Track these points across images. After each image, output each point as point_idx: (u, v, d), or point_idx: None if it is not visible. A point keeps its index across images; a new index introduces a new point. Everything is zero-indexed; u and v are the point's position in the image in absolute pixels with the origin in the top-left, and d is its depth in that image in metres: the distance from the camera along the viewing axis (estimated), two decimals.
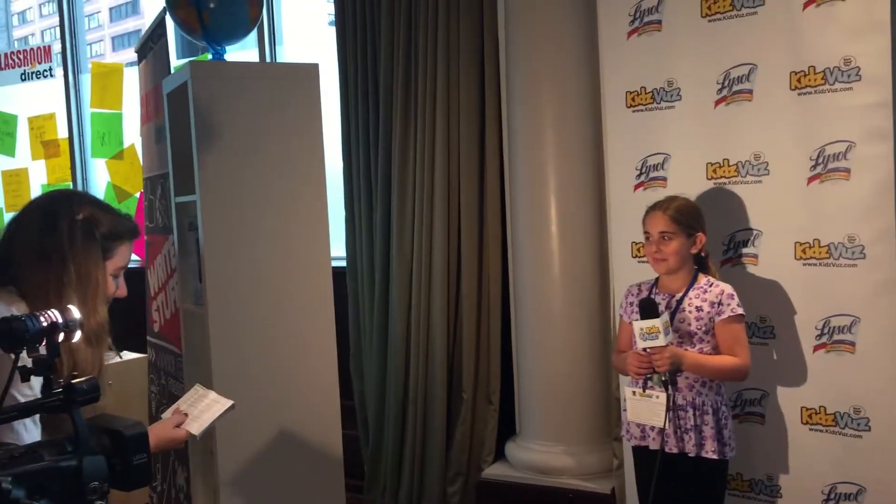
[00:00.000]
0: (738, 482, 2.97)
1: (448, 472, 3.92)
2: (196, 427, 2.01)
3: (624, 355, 2.64)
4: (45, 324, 1.32)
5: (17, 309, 1.64)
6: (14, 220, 1.81)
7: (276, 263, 2.91)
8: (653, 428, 2.58)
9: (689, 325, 2.57)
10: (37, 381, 1.50)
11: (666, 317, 2.50)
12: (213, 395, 2.12)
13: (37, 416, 1.63)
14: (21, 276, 1.71)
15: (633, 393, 2.58)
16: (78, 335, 1.37)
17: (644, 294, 2.68)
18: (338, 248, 3.95)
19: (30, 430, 1.61)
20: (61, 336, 1.33)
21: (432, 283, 3.84)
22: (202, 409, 2.07)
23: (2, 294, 1.68)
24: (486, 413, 3.90)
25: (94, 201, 1.85)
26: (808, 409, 2.83)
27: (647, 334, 2.45)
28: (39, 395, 1.38)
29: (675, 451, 2.56)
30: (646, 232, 2.64)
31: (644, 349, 2.50)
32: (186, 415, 2.05)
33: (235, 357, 2.85)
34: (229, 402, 2.07)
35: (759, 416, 2.93)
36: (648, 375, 2.52)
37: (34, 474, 1.25)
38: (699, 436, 2.54)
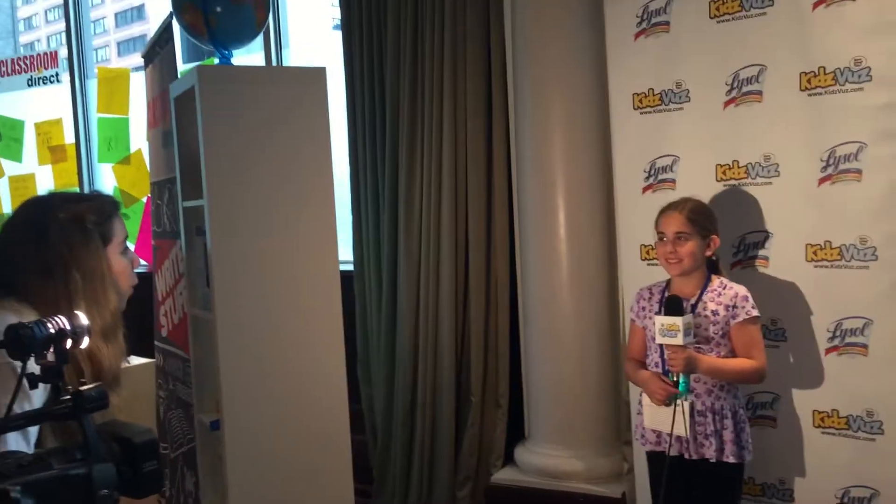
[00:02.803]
0: (750, 486, 2.95)
1: (457, 476, 3.90)
2: None
3: (642, 372, 2.61)
4: (52, 330, 1.30)
5: (27, 318, 1.59)
6: (2, 241, 1.72)
7: (284, 267, 2.90)
8: (670, 434, 2.55)
9: (706, 329, 2.54)
10: (36, 394, 1.47)
11: (690, 318, 2.47)
12: None
13: (31, 437, 1.59)
14: (29, 292, 1.65)
15: None
16: (86, 341, 1.36)
17: (656, 297, 2.66)
18: (345, 252, 3.94)
19: (19, 444, 1.55)
20: (69, 342, 1.32)
21: (440, 285, 3.82)
22: None
23: (11, 306, 1.64)
24: (495, 416, 3.88)
25: (67, 197, 1.78)
26: (820, 413, 2.81)
27: (667, 331, 2.43)
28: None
29: (694, 457, 2.54)
30: (660, 232, 2.60)
31: (661, 350, 2.47)
32: None
33: (243, 362, 2.84)
34: None
35: (772, 419, 2.91)
36: (671, 375, 2.51)
37: (43, 483, 1.23)
38: (719, 441, 2.52)
